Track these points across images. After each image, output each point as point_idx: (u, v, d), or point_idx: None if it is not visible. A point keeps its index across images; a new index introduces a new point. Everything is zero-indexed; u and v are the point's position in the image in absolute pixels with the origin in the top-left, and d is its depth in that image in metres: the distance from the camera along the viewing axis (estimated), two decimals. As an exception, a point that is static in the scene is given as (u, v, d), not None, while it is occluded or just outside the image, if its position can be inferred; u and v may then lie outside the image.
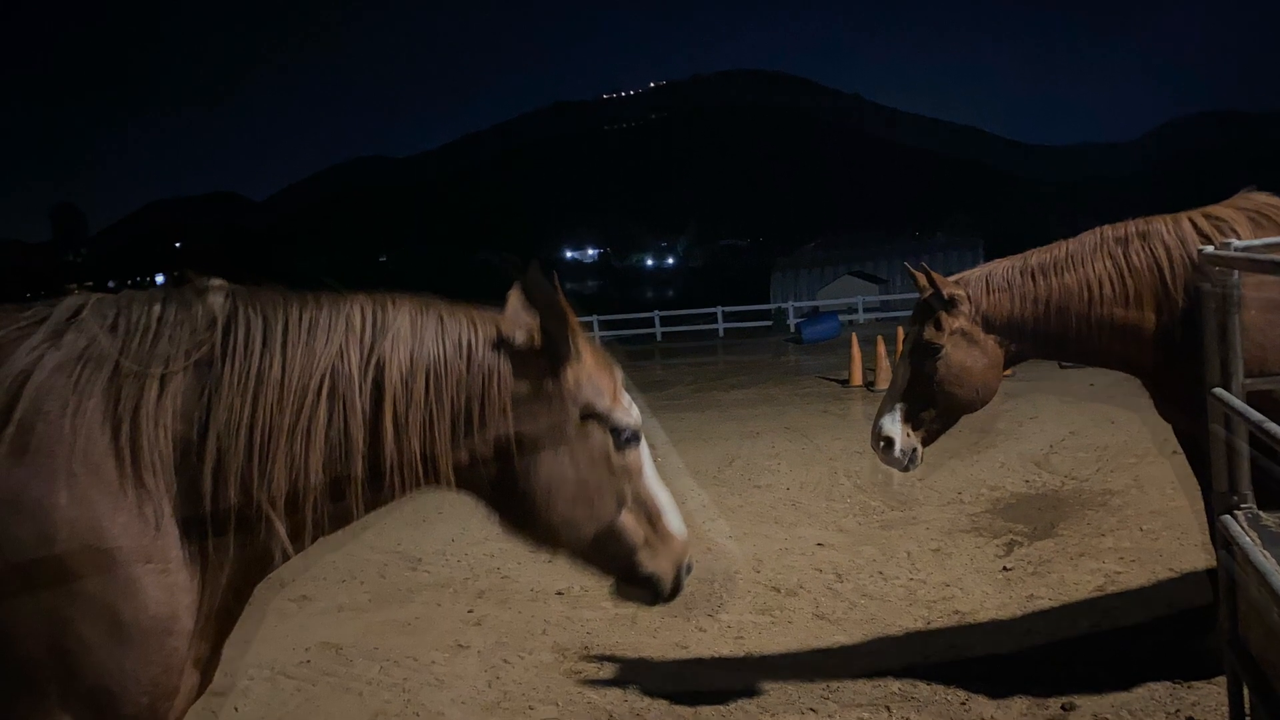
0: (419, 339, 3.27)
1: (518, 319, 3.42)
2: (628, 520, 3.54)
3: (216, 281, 3.30)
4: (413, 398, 3.22)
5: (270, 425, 3.05)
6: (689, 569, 3.71)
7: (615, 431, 3.49)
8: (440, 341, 3.30)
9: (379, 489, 3.25)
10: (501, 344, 3.36)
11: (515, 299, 3.41)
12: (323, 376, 3.13)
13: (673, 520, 3.64)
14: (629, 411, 3.53)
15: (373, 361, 3.19)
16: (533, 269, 3.31)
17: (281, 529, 3.10)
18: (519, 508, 3.47)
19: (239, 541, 3.06)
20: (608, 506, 3.50)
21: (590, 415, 3.45)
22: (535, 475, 3.40)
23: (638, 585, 3.66)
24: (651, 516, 3.59)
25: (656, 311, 48.59)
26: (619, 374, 3.62)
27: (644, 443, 3.61)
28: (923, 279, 6.53)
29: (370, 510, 3.36)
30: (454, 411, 3.28)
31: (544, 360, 3.38)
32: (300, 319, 3.19)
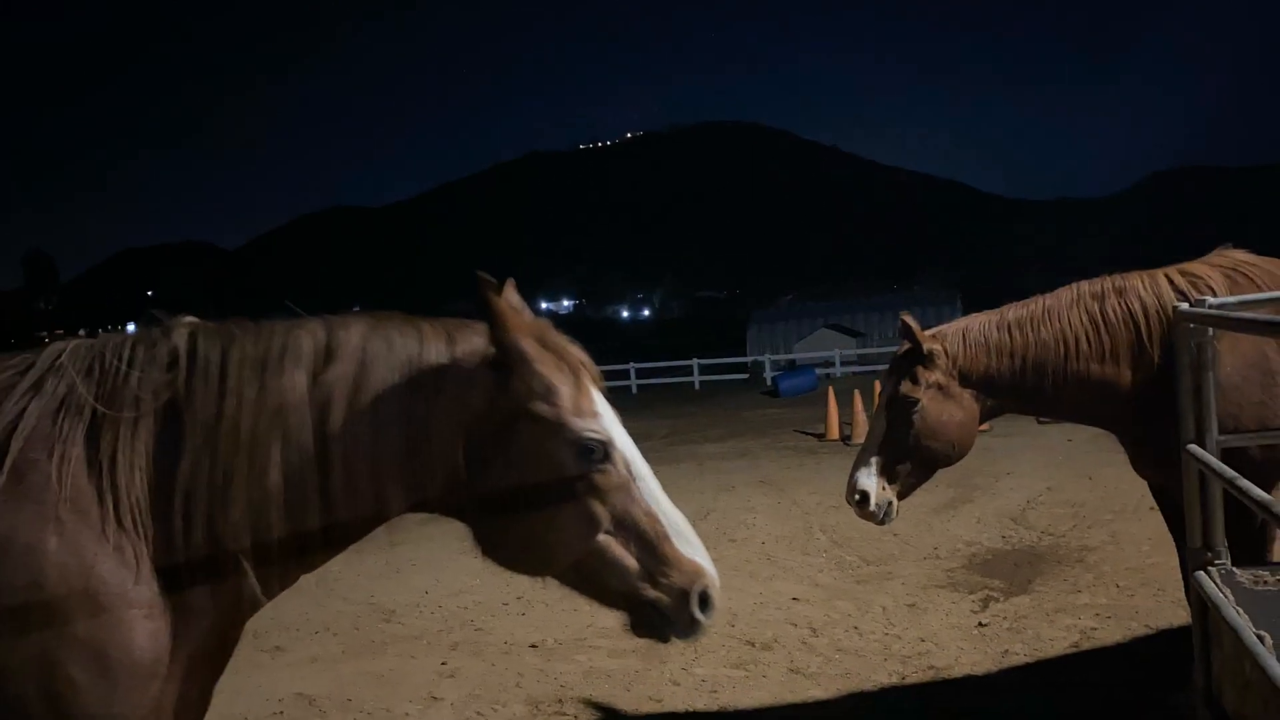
0: (365, 363, 3.23)
1: (472, 333, 3.35)
2: (612, 545, 3.30)
3: (186, 319, 3.31)
4: (358, 425, 3.18)
5: (228, 467, 3.05)
6: (704, 601, 3.35)
7: (582, 448, 3.28)
8: (388, 362, 3.25)
9: (342, 522, 3.21)
10: (454, 360, 3.29)
11: (492, 312, 3.29)
12: (274, 412, 3.12)
13: (675, 544, 3.34)
14: (597, 427, 3.32)
15: (317, 393, 3.17)
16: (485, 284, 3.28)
17: (250, 570, 3.11)
18: (486, 534, 3.40)
19: (214, 583, 3.07)
20: (579, 530, 3.29)
21: (555, 432, 3.27)
22: (497, 500, 3.28)
23: (639, 615, 3.38)
24: (644, 540, 3.31)
25: (632, 364, 48.60)
26: (592, 386, 3.43)
27: (634, 462, 3.38)
28: (915, 325, 6.49)
29: (342, 545, 3.34)
30: (402, 435, 3.22)
31: (500, 376, 3.27)
32: (252, 352, 3.19)
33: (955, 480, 14.45)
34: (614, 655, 8.85)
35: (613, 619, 3.48)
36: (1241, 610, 4.19)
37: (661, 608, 3.33)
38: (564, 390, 3.29)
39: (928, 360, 6.35)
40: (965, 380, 6.36)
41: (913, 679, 7.90)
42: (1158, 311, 5.95)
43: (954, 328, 6.56)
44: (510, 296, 3.38)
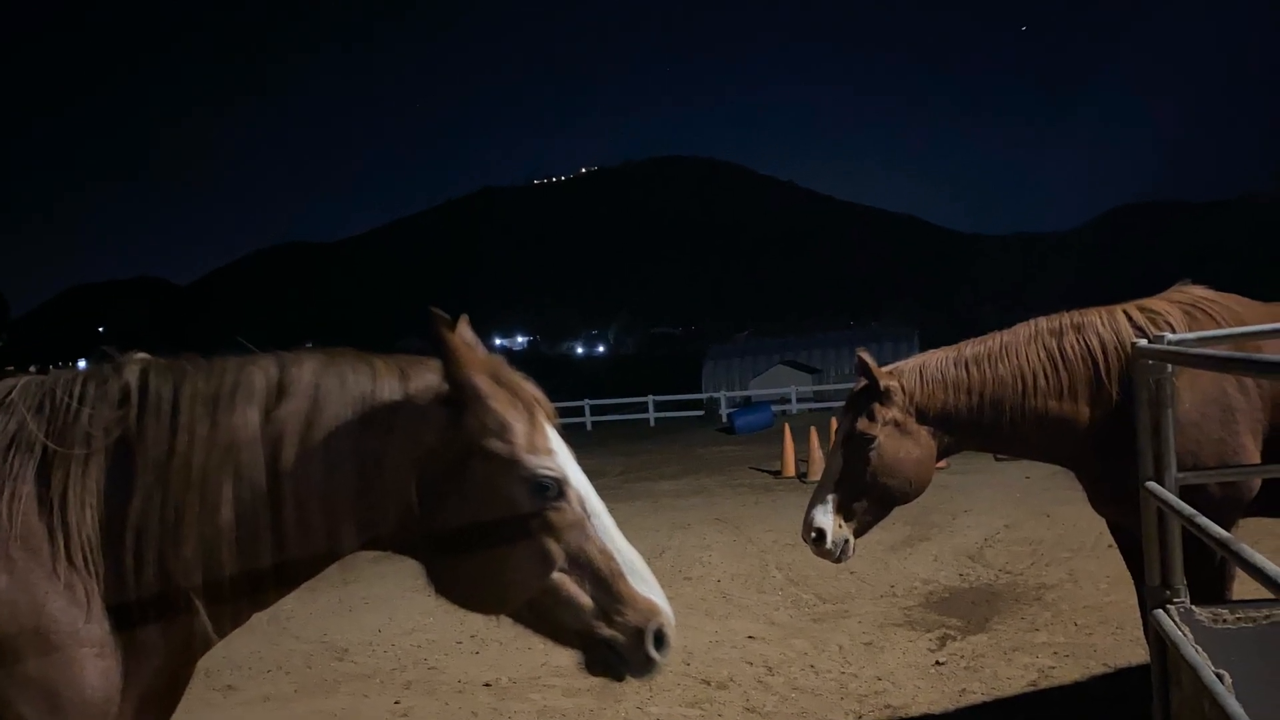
0: (317, 400, 3.20)
1: (426, 369, 3.33)
2: (566, 583, 3.26)
3: (138, 356, 3.29)
4: (311, 461, 3.14)
5: (180, 504, 3.03)
6: (659, 639, 3.30)
7: (536, 485, 3.24)
8: (341, 399, 3.22)
9: (294, 560, 3.18)
10: (407, 397, 3.26)
11: (446, 348, 3.26)
12: (225, 449, 3.10)
13: (630, 582, 3.30)
14: (551, 464, 3.29)
15: (270, 429, 3.15)
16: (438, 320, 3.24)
17: (202, 608, 3.08)
18: (440, 572, 3.35)
19: (166, 621, 3.05)
20: (533, 568, 3.25)
21: (508, 469, 3.24)
22: (451, 538, 3.24)
23: (594, 653, 3.33)
24: (599, 578, 3.28)
25: (587, 401, 48.56)
26: (546, 423, 3.40)
27: (589, 499, 3.35)
28: (871, 362, 6.46)
29: (295, 582, 3.31)
30: (355, 472, 3.19)
31: (453, 412, 3.24)
32: (204, 389, 3.17)
33: (912, 518, 14.47)
34: (569, 694, 8.77)
35: (567, 657, 3.44)
36: (1200, 649, 4.18)
37: (616, 646, 3.30)
38: (518, 427, 3.26)
39: (885, 397, 6.33)
40: (922, 417, 6.34)
41: (869, 718, 7.86)
42: (1116, 348, 5.94)
43: (911, 364, 6.54)
44: (464, 332, 3.36)
